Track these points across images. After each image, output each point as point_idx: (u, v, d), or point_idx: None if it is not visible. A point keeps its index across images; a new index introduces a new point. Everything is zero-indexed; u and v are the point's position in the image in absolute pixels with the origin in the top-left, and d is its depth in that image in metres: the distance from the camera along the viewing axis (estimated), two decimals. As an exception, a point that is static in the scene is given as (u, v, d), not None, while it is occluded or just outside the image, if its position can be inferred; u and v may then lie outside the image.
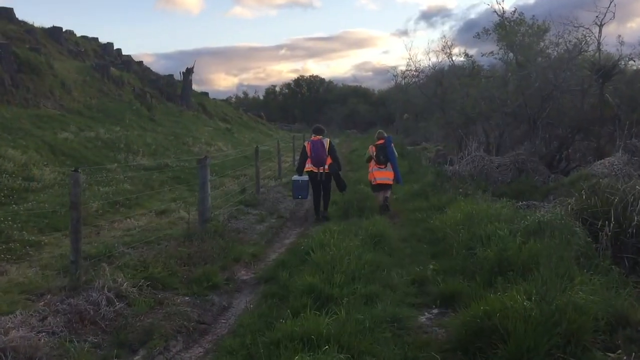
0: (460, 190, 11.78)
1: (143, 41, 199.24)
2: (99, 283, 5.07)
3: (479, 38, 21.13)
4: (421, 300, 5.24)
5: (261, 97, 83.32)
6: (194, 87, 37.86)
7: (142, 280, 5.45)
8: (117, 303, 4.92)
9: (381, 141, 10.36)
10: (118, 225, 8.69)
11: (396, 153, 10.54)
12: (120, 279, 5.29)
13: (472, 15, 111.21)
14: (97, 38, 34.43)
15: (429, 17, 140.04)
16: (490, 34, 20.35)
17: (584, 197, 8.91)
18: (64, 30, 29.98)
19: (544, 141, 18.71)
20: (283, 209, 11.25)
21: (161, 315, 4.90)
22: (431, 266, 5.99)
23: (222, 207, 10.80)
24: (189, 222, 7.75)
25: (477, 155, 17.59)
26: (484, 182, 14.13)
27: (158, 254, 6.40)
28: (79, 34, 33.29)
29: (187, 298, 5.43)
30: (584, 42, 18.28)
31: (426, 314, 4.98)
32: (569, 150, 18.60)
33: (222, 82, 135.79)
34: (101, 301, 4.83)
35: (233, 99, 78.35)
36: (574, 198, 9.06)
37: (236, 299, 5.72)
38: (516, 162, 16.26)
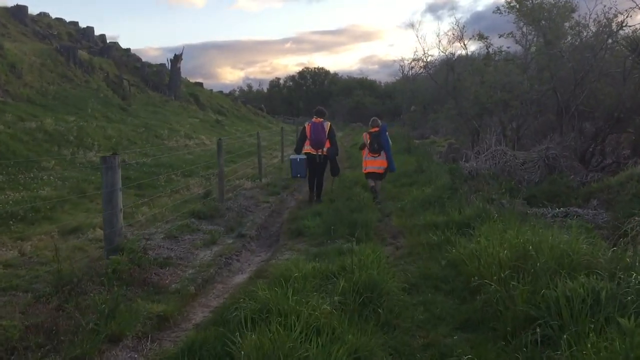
0: (481, 193, 9.28)
1: (150, 36, 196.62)
2: None
3: (500, 13, 18.28)
4: None
5: (265, 90, 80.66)
6: (199, 79, 35.61)
7: None
8: None
9: (375, 129, 9.89)
10: (-19, 256, 5.84)
11: (390, 141, 10.23)
12: None
13: (480, 8, 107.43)
14: (77, 22, 31.70)
15: (435, 9, 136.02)
16: (512, 6, 17.44)
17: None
18: (38, 12, 27.49)
19: (575, 133, 15.83)
20: (250, 223, 8.38)
21: None
22: (464, 363, 3.14)
23: (167, 219, 8.03)
24: (61, 259, 4.79)
25: (497, 150, 14.82)
26: (508, 183, 11.33)
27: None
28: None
29: None
30: (626, 15, 15.21)
31: None
32: (604, 144, 15.73)
33: (228, 75, 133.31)
34: None
35: (237, 92, 75.96)
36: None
37: None
38: (545, 158, 13.55)
